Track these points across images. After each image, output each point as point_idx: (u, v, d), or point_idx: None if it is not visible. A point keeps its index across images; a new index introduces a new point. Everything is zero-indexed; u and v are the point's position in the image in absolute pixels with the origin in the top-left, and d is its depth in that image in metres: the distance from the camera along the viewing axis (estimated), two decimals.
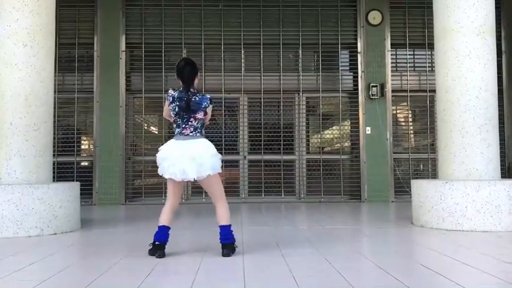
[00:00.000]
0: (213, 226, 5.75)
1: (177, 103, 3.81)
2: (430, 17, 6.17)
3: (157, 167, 3.91)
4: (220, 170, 3.88)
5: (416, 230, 5.27)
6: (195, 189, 8.85)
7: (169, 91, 3.88)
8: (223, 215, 3.86)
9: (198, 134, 3.84)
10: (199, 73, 3.98)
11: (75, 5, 8.84)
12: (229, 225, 3.86)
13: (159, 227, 3.85)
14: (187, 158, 3.72)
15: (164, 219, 3.88)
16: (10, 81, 5.15)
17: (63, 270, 3.40)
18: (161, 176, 3.90)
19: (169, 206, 3.91)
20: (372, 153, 8.81)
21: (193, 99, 3.81)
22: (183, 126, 3.82)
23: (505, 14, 9.19)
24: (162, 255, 3.76)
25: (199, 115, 3.83)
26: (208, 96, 3.90)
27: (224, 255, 3.76)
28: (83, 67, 8.92)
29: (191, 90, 3.85)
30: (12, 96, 5.14)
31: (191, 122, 3.82)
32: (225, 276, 3.21)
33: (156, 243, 3.81)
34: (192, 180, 3.79)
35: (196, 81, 3.92)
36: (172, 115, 3.85)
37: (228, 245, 3.80)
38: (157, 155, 3.89)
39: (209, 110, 3.91)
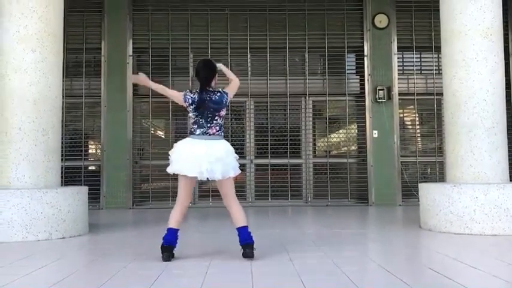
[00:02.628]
0: (221, 229, 5.77)
1: (199, 104, 3.82)
2: (436, 19, 6.16)
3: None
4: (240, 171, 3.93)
5: (424, 234, 5.25)
6: (202, 193, 8.86)
7: (187, 93, 3.89)
8: (240, 217, 3.85)
9: (222, 134, 3.90)
10: (217, 73, 4.00)
11: (83, 10, 8.91)
12: (247, 226, 3.84)
13: (168, 229, 3.84)
14: (216, 157, 3.73)
15: (174, 221, 3.86)
16: (19, 86, 5.19)
17: (72, 275, 3.41)
18: (172, 175, 3.88)
19: (180, 207, 3.89)
20: (379, 157, 8.78)
21: (213, 97, 3.85)
22: (208, 125, 3.83)
23: None
24: (168, 258, 3.73)
25: (223, 112, 3.90)
26: (221, 89, 3.95)
27: (246, 255, 3.72)
28: (91, 72, 8.97)
29: (209, 89, 3.88)
30: (21, 101, 5.18)
31: (216, 120, 3.86)
32: (233, 279, 3.21)
33: (164, 245, 3.79)
34: (217, 179, 3.76)
35: (213, 82, 3.95)
36: (193, 116, 3.86)
37: (249, 245, 3.76)
38: (172, 152, 3.86)
39: (230, 96, 3.98)
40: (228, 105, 4.17)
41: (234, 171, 3.84)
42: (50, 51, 5.31)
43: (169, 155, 3.92)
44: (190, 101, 3.86)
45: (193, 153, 3.75)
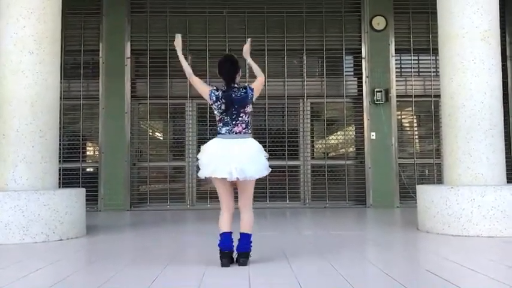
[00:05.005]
0: (218, 232, 5.76)
1: (223, 101, 3.72)
2: (434, 22, 6.17)
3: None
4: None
5: (422, 236, 5.25)
6: (199, 195, 8.86)
7: (213, 90, 3.79)
8: (249, 223, 3.73)
9: (249, 131, 3.77)
10: (239, 69, 3.86)
11: (81, 12, 8.90)
12: (251, 235, 3.73)
13: (220, 234, 3.69)
14: (246, 156, 3.62)
15: (224, 225, 3.70)
16: (17, 88, 5.18)
17: (69, 277, 3.41)
18: (205, 179, 3.80)
19: (225, 210, 3.75)
20: (376, 159, 8.79)
21: (238, 94, 3.74)
22: (233, 123, 3.71)
23: (509, 19, 9.18)
24: (227, 264, 3.59)
25: (249, 108, 3.77)
26: (246, 85, 3.82)
27: (240, 264, 3.63)
28: (89, 74, 8.97)
29: (234, 86, 3.78)
30: (18, 103, 5.17)
31: (242, 117, 3.73)
32: (230, 282, 3.21)
33: (224, 251, 3.63)
34: (250, 178, 3.63)
35: (237, 77, 3.82)
36: (218, 114, 3.77)
37: (245, 253, 3.67)
38: (201, 156, 3.74)
39: (256, 92, 3.81)
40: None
41: (266, 170, 3.72)
42: (47, 53, 5.31)
43: (197, 158, 3.82)
44: (214, 99, 3.76)
45: (222, 153, 3.64)
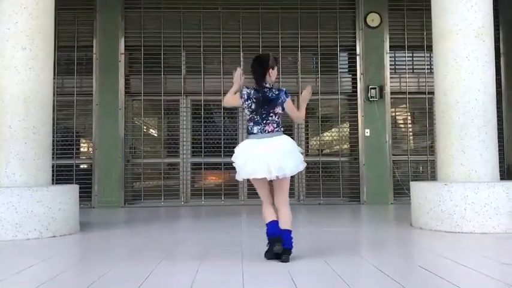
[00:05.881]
0: (212, 229, 5.76)
1: (254, 100, 3.71)
2: (428, 19, 6.18)
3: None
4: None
5: (416, 232, 5.27)
6: (194, 191, 8.85)
7: (243, 88, 3.78)
8: (288, 219, 3.73)
9: (281, 130, 3.74)
10: (272, 68, 3.77)
11: (75, 7, 8.84)
12: (291, 231, 3.69)
13: (267, 224, 3.71)
14: (282, 153, 3.60)
15: (268, 215, 3.72)
16: (9, 84, 5.15)
17: (62, 273, 3.39)
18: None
19: (268, 203, 3.77)
20: (371, 156, 8.81)
21: (269, 94, 3.71)
22: (264, 122, 3.69)
23: (503, 16, 9.21)
24: (279, 249, 3.55)
25: (278, 109, 3.72)
26: (283, 89, 3.78)
27: (283, 260, 3.58)
28: (82, 70, 8.92)
29: (265, 85, 3.75)
30: (11, 99, 5.14)
31: (271, 117, 3.71)
32: (223, 279, 3.21)
33: (272, 237, 3.63)
34: (289, 175, 3.63)
35: (268, 77, 3.75)
36: (248, 113, 3.76)
37: (287, 250, 3.63)
38: (235, 159, 3.73)
39: (289, 104, 3.75)
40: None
41: (302, 165, 3.72)
42: (40, 49, 5.27)
43: (232, 161, 3.78)
44: (246, 97, 3.74)
45: (258, 153, 3.61)
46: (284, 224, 3.71)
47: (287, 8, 9.11)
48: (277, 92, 3.74)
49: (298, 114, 3.88)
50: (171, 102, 9.07)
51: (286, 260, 3.61)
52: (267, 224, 3.74)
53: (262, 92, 3.72)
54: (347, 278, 3.13)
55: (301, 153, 3.77)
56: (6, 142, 5.11)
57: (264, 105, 3.69)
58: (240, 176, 3.73)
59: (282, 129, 3.77)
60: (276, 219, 3.72)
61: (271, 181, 3.76)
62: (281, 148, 3.64)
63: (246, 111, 3.80)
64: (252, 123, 3.75)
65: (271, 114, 3.71)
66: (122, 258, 3.92)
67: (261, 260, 3.73)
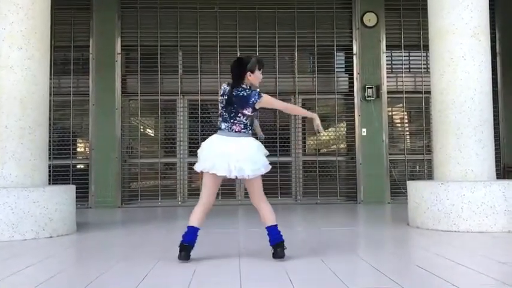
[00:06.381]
0: (209, 229, 5.75)
1: (225, 97, 3.75)
2: (425, 18, 6.19)
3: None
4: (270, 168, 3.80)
5: (412, 231, 5.28)
6: (191, 191, 8.84)
7: (224, 84, 3.84)
8: (269, 216, 3.74)
9: (249, 132, 3.77)
10: (251, 72, 3.77)
11: (71, 7, 8.83)
12: (277, 225, 3.74)
13: (189, 227, 3.70)
14: (245, 155, 3.63)
15: (195, 219, 3.72)
16: (5, 84, 5.13)
17: (59, 274, 3.39)
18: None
19: (203, 206, 3.76)
20: (367, 155, 8.83)
21: (240, 94, 3.71)
22: (232, 121, 3.71)
23: (499, 16, 9.24)
24: (186, 257, 3.61)
25: (247, 111, 3.71)
26: (257, 90, 3.77)
27: (277, 255, 3.62)
28: (79, 70, 8.90)
29: (241, 86, 3.75)
30: (7, 99, 5.12)
31: (239, 117, 3.71)
32: (221, 279, 3.21)
33: (184, 243, 3.65)
34: (248, 177, 3.64)
35: (246, 79, 3.76)
36: (220, 108, 3.80)
37: (279, 244, 3.67)
38: (202, 149, 3.75)
39: (262, 103, 3.74)
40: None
41: (264, 168, 3.73)
42: (36, 49, 5.26)
43: (197, 153, 3.82)
44: (221, 91, 3.80)
45: (222, 151, 3.64)
46: (268, 222, 3.74)
47: (284, 7, 9.11)
48: (248, 91, 3.73)
49: (281, 105, 3.92)
50: (168, 102, 9.06)
51: (282, 254, 3.63)
52: (188, 227, 3.70)
53: (235, 91, 3.75)
54: (344, 276, 3.14)
55: (266, 156, 3.78)
56: (2, 142, 5.09)
57: (234, 104, 3.72)
58: (199, 167, 3.72)
59: (250, 131, 3.79)
60: (199, 226, 3.71)
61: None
62: (245, 150, 3.66)
63: (219, 105, 3.84)
64: (221, 119, 3.80)
65: (239, 115, 3.73)
66: (119, 258, 3.92)
67: (259, 259, 3.73)
